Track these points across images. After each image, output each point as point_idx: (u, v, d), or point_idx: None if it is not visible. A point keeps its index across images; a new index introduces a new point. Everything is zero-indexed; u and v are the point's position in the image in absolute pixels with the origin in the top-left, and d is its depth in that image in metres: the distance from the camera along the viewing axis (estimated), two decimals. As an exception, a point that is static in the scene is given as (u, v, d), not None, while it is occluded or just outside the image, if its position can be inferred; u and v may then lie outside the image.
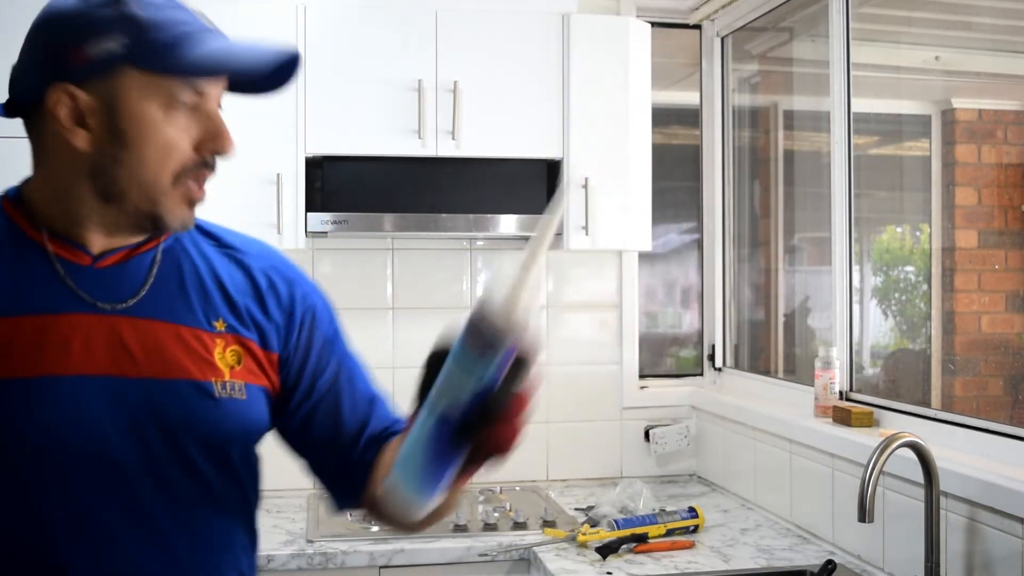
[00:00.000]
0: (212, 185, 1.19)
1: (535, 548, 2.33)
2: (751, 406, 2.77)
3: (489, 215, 2.68)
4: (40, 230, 1.14)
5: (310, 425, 1.33)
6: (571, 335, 3.11)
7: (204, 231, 1.27)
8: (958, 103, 2.89)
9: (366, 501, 1.29)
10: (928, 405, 2.46)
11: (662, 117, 3.21)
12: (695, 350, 3.32)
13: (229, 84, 1.18)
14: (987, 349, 2.79)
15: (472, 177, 2.70)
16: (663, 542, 2.33)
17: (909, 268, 3.02)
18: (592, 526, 2.40)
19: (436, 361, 1.08)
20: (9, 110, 1.14)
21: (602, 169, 2.71)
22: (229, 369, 1.18)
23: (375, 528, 2.47)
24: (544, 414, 3.07)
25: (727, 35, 3.19)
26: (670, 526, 2.39)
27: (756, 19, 3.00)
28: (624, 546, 2.27)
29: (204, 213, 1.24)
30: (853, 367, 2.52)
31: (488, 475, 1.07)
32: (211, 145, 1.14)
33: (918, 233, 3.02)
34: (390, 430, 1.30)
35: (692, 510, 2.46)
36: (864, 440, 2.15)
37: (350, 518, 2.46)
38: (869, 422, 2.30)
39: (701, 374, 3.26)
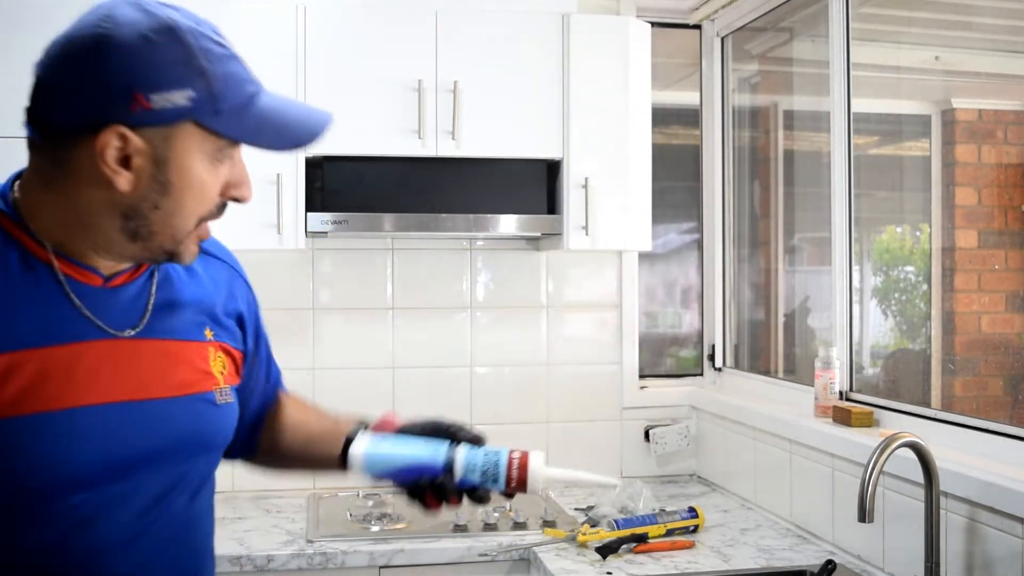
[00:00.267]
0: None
1: (535, 548, 2.33)
2: (751, 406, 2.77)
3: (489, 215, 2.68)
4: (45, 247, 1.12)
5: (244, 401, 1.40)
6: (571, 335, 3.11)
7: None
8: (958, 103, 2.88)
9: (260, 450, 1.48)
10: (928, 405, 2.45)
11: (662, 117, 3.21)
12: (695, 350, 3.32)
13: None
14: (987, 349, 2.79)
15: (472, 177, 2.70)
16: (663, 542, 2.33)
17: (909, 268, 3.02)
18: (592, 526, 2.40)
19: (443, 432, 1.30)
20: (33, 125, 1.10)
21: (602, 169, 2.71)
22: (221, 376, 1.27)
23: (375, 528, 2.47)
24: (544, 414, 3.07)
25: (727, 35, 3.19)
26: (670, 526, 2.39)
27: (756, 19, 3.00)
28: (624, 546, 2.27)
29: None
30: (853, 367, 2.52)
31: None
32: (234, 192, 1.16)
33: (918, 233, 3.02)
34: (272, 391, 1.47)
35: (692, 510, 2.46)
36: (864, 440, 2.15)
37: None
38: (869, 422, 2.30)
39: (701, 374, 3.26)
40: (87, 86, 1.05)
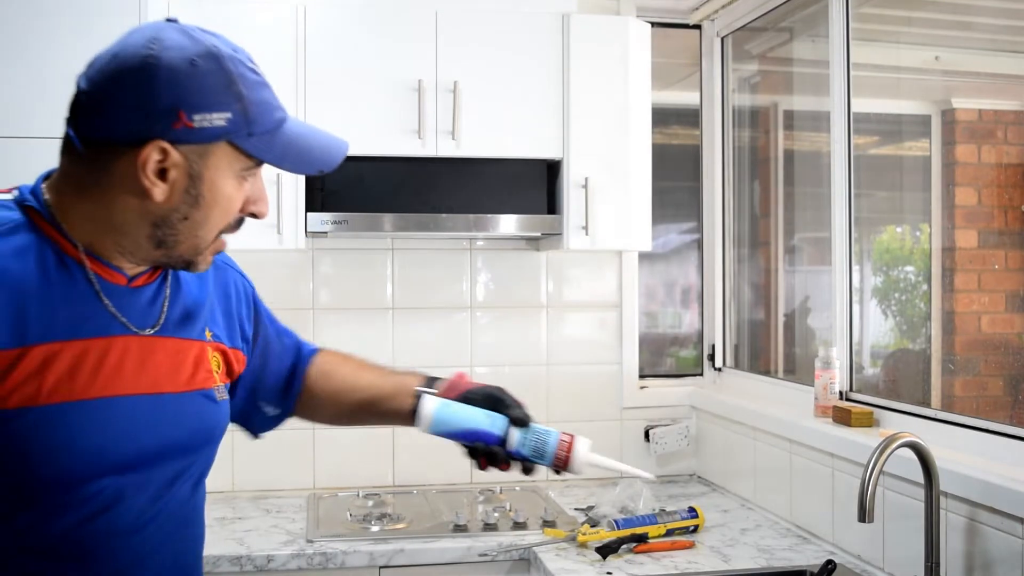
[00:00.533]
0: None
1: (535, 548, 2.33)
2: (751, 406, 2.77)
3: (489, 215, 2.68)
4: (77, 247, 1.20)
5: (263, 379, 1.53)
6: (571, 335, 3.11)
7: None
8: (958, 103, 2.88)
9: (300, 408, 1.59)
10: (928, 405, 2.45)
11: (662, 117, 3.21)
12: (695, 350, 3.32)
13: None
14: (987, 349, 2.79)
15: (472, 177, 2.70)
16: (663, 542, 2.33)
17: (909, 268, 3.02)
18: (592, 526, 2.40)
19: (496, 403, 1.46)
20: (77, 135, 1.17)
21: (602, 169, 2.71)
22: (217, 375, 1.37)
23: (375, 528, 2.47)
24: (544, 414, 3.07)
25: (727, 35, 3.19)
26: (670, 526, 2.39)
27: (756, 19, 3.00)
28: (624, 546, 2.27)
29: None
30: (853, 367, 2.52)
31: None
32: (252, 208, 1.27)
33: (918, 233, 3.02)
34: (304, 350, 1.60)
35: (692, 510, 2.46)
36: (864, 440, 2.15)
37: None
38: (869, 422, 2.30)
39: (701, 374, 3.26)
40: (136, 103, 1.13)
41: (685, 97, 3.34)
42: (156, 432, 1.25)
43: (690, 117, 3.31)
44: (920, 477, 1.87)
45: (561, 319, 3.11)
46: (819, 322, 2.88)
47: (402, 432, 3.00)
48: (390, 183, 2.67)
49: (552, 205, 2.76)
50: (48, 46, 2.33)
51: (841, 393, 2.46)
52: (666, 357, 3.36)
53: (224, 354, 1.40)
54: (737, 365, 3.20)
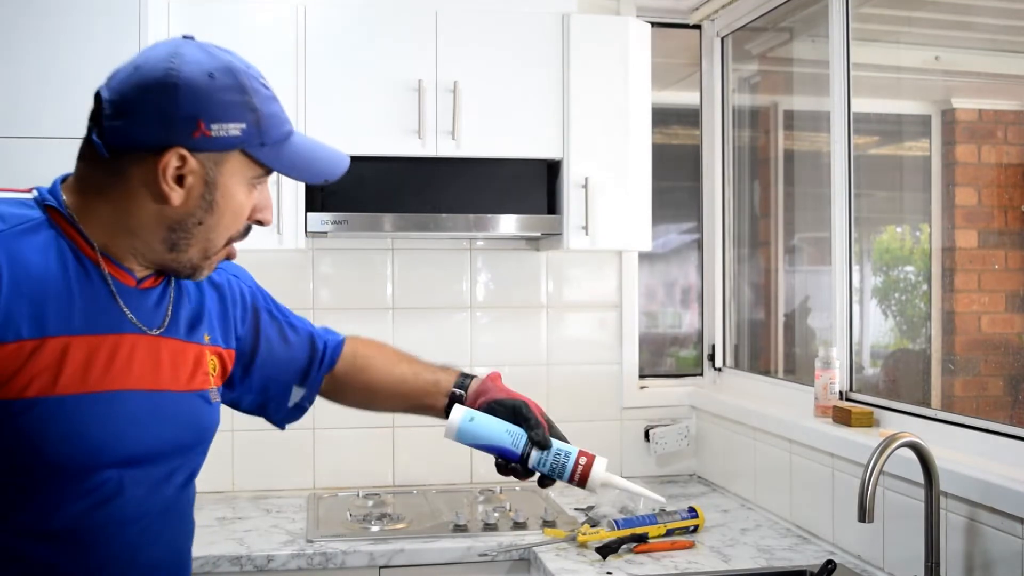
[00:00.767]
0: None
1: (535, 548, 2.33)
2: (751, 406, 2.77)
3: (489, 215, 2.68)
4: (95, 250, 1.27)
5: (273, 367, 1.59)
6: (571, 335, 3.11)
7: None
8: (958, 103, 2.88)
9: (333, 395, 1.70)
10: (928, 405, 2.45)
11: (662, 117, 3.21)
12: (695, 350, 3.32)
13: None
14: (987, 349, 2.79)
15: (472, 177, 2.70)
16: (663, 542, 2.33)
17: (909, 268, 3.02)
18: (592, 526, 2.40)
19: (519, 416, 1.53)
20: (101, 141, 1.24)
21: (602, 169, 2.71)
22: (211, 377, 1.43)
23: (375, 528, 2.47)
24: (544, 414, 3.07)
25: (727, 35, 3.19)
26: (670, 526, 2.39)
27: (756, 19, 3.00)
28: (624, 546, 2.27)
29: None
30: (853, 367, 2.52)
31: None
32: (259, 215, 1.34)
33: (918, 233, 3.02)
34: (328, 342, 1.66)
35: (692, 510, 2.46)
36: (864, 440, 2.15)
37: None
38: (869, 422, 2.30)
39: (701, 374, 3.26)
40: (158, 113, 1.21)
41: (685, 97, 3.34)
42: (157, 428, 1.31)
43: (690, 117, 3.31)
44: (920, 477, 1.87)
45: (561, 319, 3.11)
46: (819, 322, 2.88)
47: (402, 432, 3.00)
48: (390, 183, 2.67)
49: (552, 205, 2.76)
50: (49, 46, 2.33)
51: (841, 393, 2.46)
52: (666, 357, 3.36)
53: (220, 356, 1.46)
54: (737, 365, 3.20)
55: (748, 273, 3.24)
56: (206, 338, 1.42)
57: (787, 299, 3.12)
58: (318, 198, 2.62)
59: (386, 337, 2.97)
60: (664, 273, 3.39)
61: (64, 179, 1.31)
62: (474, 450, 1.51)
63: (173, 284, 1.38)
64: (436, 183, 2.68)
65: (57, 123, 2.20)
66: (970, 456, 1.94)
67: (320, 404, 2.65)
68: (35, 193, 1.29)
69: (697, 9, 3.13)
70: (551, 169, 2.76)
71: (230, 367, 1.51)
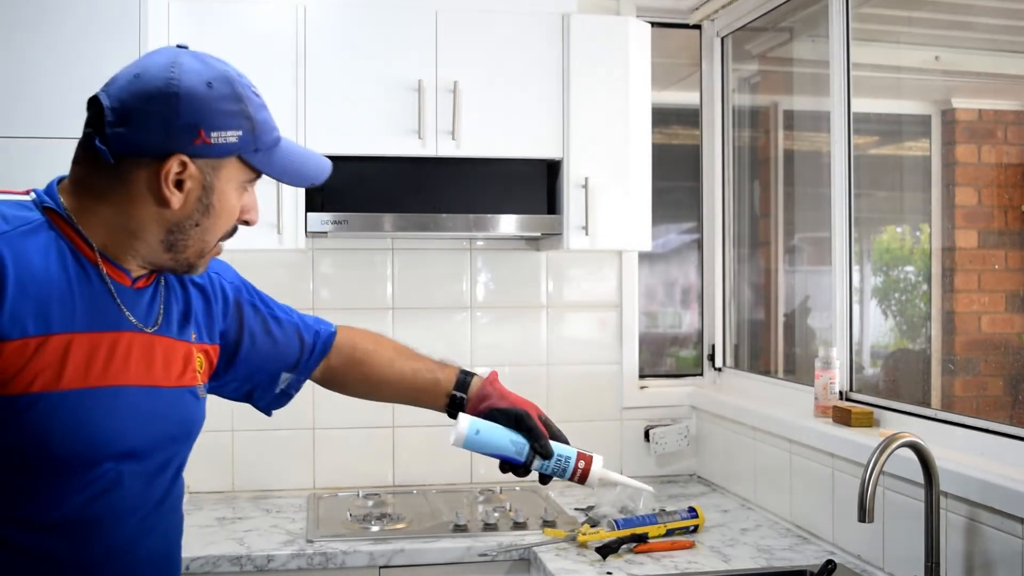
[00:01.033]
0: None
1: (535, 548, 2.33)
2: (751, 406, 2.77)
3: (489, 215, 2.68)
4: (94, 250, 1.31)
5: (256, 360, 1.63)
6: (571, 335, 3.11)
7: None
8: (958, 103, 2.88)
9: (331, 384, 1.75)
10: (928, 405, 2.45)
11: (662, 117, 3.21)
12: (695, 350, 3.32)
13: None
14: (987, 349, 2.79)
15: (472, 177, 2.70)
16: (663, 542, 2.33)
17: (909, 268, 3.02)
18: (592, 526, 2.40)
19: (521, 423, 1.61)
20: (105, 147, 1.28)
21: (602, 169, 2.71)
22: (199, 374, 1.48)
23: (375, 528, 2.47)
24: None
25: (727, 35, 3.19)
26: (670, 526, 2.39)
27: (756, 19, 3.00)
28: (624, 546, 2.27)
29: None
30: (853, 367, 2.52)
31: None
32: (246, 216, 1.40)
33: (918, 233, 3.02)
34: (319, 332, 1.72)
35: (692, 510, 2.46)
36: (864, 440, 2.15)
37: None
38: (869, 422, 2.30)
39: (701, 374, 3.26)
40: (162, 121, 1.26)
41: (685, 97, 3.34)
42: (152, 422, 1.37)
43: (690, 117, 3.31)
44: (920, 477, 1.87)
45: (561, 319, 3.11)
46: (819, 322, 2.88)
47: (402, 432, 3.00)
48: (390, 183, 2.67)
49: (552, 205, 2.76)
50: (48, 47, 2.33)
51: (841, 393, 2.46)
52: (666, 357, 3.36)
53: (206, 353, 1.52)
54: (737, 365, 3.20)
55: (748, 273, 3.24)
56: (193, 336, 1.47)
57: (787, 299, 3.12)
58: (318, 198, 2.62)
59: (386, 337, 2.99)
60: (664, 273, 3.39)
61: (60, 181, 1.35)
62: (474, 451, 1.57)
63: (163, 284, 1.43)
64: (436, 183, 2.68)
65: (57, 123, 2.20)
66: (970, 456, 1.94)
67: (320, 404, 2.65)
68: (32, 195, 1.33)
69: (697, 9, 3.13)
70: (551, 169, 2.76)
71: (215, 362, 1.56)
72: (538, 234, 2.79)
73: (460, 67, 2.65)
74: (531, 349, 3.08)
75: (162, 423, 1.39)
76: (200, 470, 2.89)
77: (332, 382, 1.76)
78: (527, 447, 1.57)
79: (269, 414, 1.73)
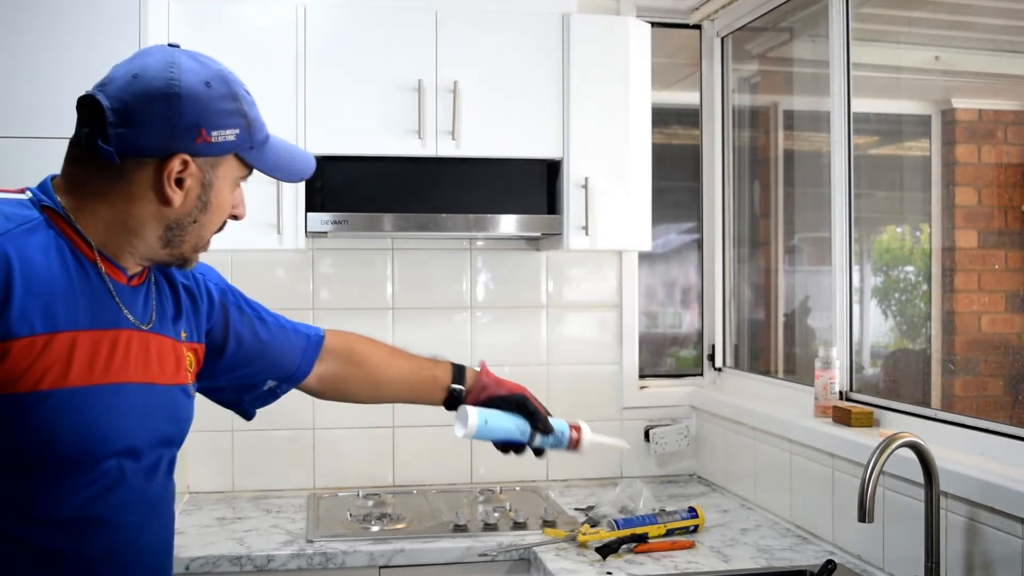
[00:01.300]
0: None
1: (535, 548, 2.33)
2: (751, 406, 2.77)
3: (489, 215, 2.68)
4: (92, 249, 1.33)
5: (244, 364, 1.65)
6: (571, 335, 3.11)
7: None
8: (958, 103, 2.88)
9: (309, 388, 1.76)
10: (928, 405, 2.45)
11: (662, 117, 3.21)
12: (695, 350, 3.32)
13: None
14: (987, 349, 2.79)
15: (472, 177, 2.70)
16: (663, 542, 2.33)
17: (909, 268, 3.02)
18: (592, 526, 2.40)
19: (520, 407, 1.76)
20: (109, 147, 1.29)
21: (602, 169, 2.71)
22: (189, 372, 1.50)
23: (375, 528, 2.47)
24: (544, 414, 3.07)
25: (727, 35, 3.19)
26: (670, 526, 2.39)
27: (756, 19, 3.00)
28: (624, 546, 2.27)
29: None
30: (853, 367, 2.52)
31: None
32: (235, 211, 1.43)
33: (918, 233, 3.02)
34: (309, 336, 1.75)
35: (692, 510, 2.46)
36: (864, 440, 2.15)
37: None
38: (869, 422, 2.30)
39: (701, 374, 3.26)
40: (165, 121, 1.28)
41: (685, 97, 3.34)
42: (150, 419, 1.39)
43: (690, 117, 3.31)
44: (920, 477, 1.87)
45: (561, 319, 3.11)
46: (819, 322, 2.88)
47: (402, 432, 3.00)
48: (390, 183, 2.67)
49: (552, 205, 2.76)
50: (48, 46, 2.33)
51: (841, 393, 2.46)
52: (666, 357, 3.36)
53: (195, 352, 1.54)
54: (737, 365, 3.20)
55: (748, 273, 3.24)
56: (183, 335, 1.49)
57: (787, 299, 3.12)
58: (318, 198, 2.62)
59: (386, 337, 2.99)
60: (664, 273, 3.39)
61: (52, 179, 1.36)
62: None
63: (153, 282, 1.45)
64: (436, 183, 2.68)
65: (56, 123, 2.19)
66: (970, 456, 1.94)
67: (320, 404, 2.64)
68: (29, 194, 1.33)
69: (697, 9, 3.13)
70: (551, 169, 2.76)
71: (203, 361, 1.58)
72: (538, 234, 2.79)
73: (460, 67, 2.65)
74: (531, 349, 3.08)
75: (158, 420, 1.41)
76: (200, 470, 2.89)
77: (336, 386, 1.78)
78: (529, 428, 1.71)
79: (250, 417, 1.74)
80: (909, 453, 1.84)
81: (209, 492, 2.89)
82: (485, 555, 2.35)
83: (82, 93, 1.36)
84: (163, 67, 1.30)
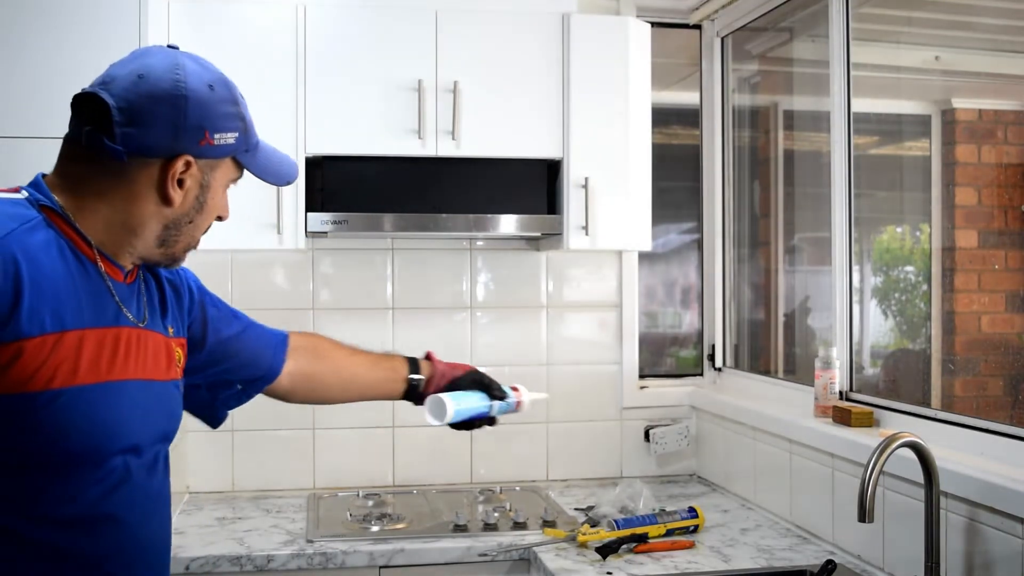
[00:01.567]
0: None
1: (535, 548, 2.33)
2: (751, 406, 2.77)
3: (489, 215, 2.68)
4: (91, 247, 1.33)
5: (221, 360, 1.66)
6: (571, 335, 3.11)
7: None
8: (958, 103, 2.88)
9: (280, 388, 1.77)
10: (928, 405, 2.45)
11: (662, 117, 3.21)
12: (695, 350, 3.32)
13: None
14: (987, 349, 2.79)
15: (472, 177, 2.70)
16: (663, 542, 2.33)
17: (909, 268, 3.02)
18: (592, 526, 2.40)
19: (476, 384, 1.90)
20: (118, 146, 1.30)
21: (602, 169, 2.71)
22: (179, 367, 1.52)
23: (375, 528, 2.47)
24: (544, 414, 3.07)
25: (727, 35, 3.19)
26: (670, 526, 2.39)
27: (756, 19, 3.00)
28: (624, 546, 2.27)
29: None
30: (853, 367, 2.52)
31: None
32: (220, 212, 1.46)
33: (918, 233, 3.02)
34: (276, 335, 1.77)
35: (692, 510, 2.46)
36: (864, 440, 2.15)
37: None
38: (869, 422, 2.30)
39: (701, 374, 3.26)
40: (172, 122, 1.31)
41: (685, 97, 3.34)
42: (151, 414, 1.41)
43: (690, 117, 3.31)
44: (920, 477, 1.87)
45: (561, 319, 3.11)
46: (819, 322, 2.88)
47: (402, 432, 3.00)
48: (390, 183, 2.67)
49: (552, 205, 2.76)
50: (48, 46, 2.33)
51: (841, 393, 2.46)
52: (666, 357, 3.36)
53: (182, 347, 1.55)
54: (737, 365, 3.20)
55: (748, 273, 3.24)
56: (171, 331, 1.51)
57: (787, 299, 3.12)
58: (318, 198, 2.62)
59: (386, 337, 3.00)
60: (664, 273, 3.39)
61: (44, 177, 1.36)
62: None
63: (142, 279, 1.47)
64: (436, 183, 2.68)
65: (56, 123, 2.19)
66: (970, 456, 1.94)
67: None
68: (25, 193, 1.34)
69: (697, 9, 3.13)
70: (551, 169, 2.76)
71: (186, 356, 1.60)
72: (538, 234, 2.79)
73: (460, 67, 2.65)
74: (531, 349, 3.08)
75: (157, 416, 1.43)
76: (200, 470, 2.89)
77: (306, 384, 1.80)
78: (487, 398, 1.85)
79: (218, 423, 1.74)
80: (909, 453, 1.84)
81: (209, 492, 2.89)
82: (485, 555, 2.35)
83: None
84: (169, 68, 1.32)
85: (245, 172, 1.46)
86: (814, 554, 2.27)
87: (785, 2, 2.82)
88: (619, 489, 2.63)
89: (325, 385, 1.84)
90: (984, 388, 2.73)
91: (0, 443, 1.24)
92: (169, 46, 1.39)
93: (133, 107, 1.29)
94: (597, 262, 3.13)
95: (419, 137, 2.63)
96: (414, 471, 3.00)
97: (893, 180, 3.07)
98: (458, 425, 1.84)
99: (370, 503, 2.76)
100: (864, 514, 1.75)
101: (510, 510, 2.63)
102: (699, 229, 3.29)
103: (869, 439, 2.12)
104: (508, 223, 2.69)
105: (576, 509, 2.69)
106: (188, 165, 1.34)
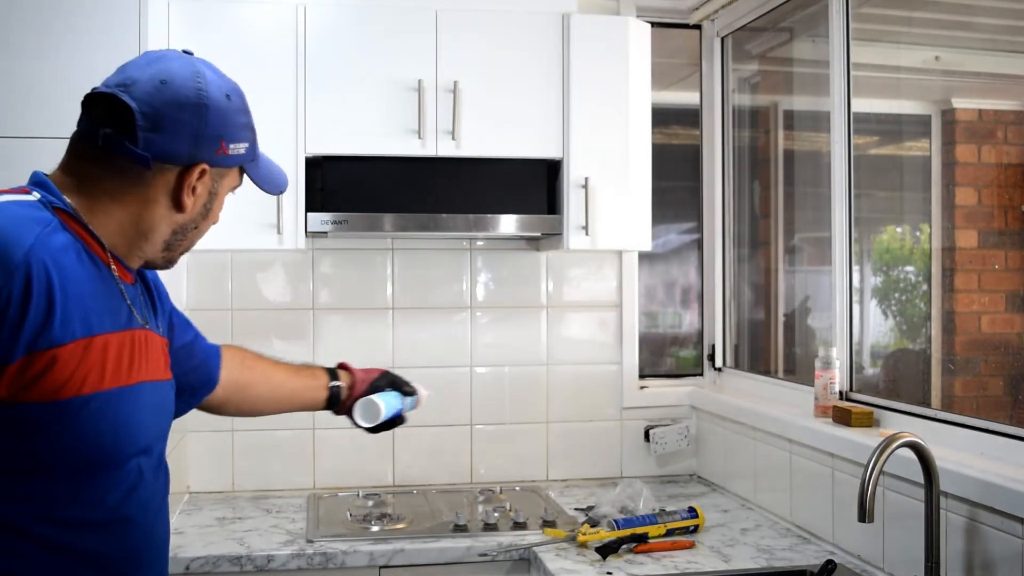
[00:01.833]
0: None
1: (535, 548, 2.33)
2: (751, 406, 2.77)
3: (489, 215, 2.68)
4: (105, 250, 1.34)
5: (174, 365, 1.62)
6: (571, 335, 3.11)
7: None
8: (958, 103, 2.88)
9: (215, 399, 1.77)
10: (928, 405, 2.45)
11: (662, 117, 3.21)
12: (695, 350, 3.32)
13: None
14: (987, 349, 2.79)
15: (472, 177, 2.70)
16: (663, 542, 2.33)
17: (909, 268, 3.02)
18: (592, 526, 2.40)
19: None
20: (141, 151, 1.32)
21: (602, 169, 2.71)
22: (168, 367, 1.53)
23: (375, 528, 2.47)
24: (544, 414, 3.07)
25: (727, 35, 3.19)
26: (670, 526, 2.39)
27: (756, 19, 3.00)
28: (624, 546, 2.27)
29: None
30: (853, 367, 2.52)
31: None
32: (216, 219, 1.48)
33: (918, 233, 3.02)
34: (209, 343, 1.77)
35: (692, 510, 2.46)
36: (864, 440, 2.15)
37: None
38: (869, 422, 2.30)
39: (701, 374, 3.26)
40: (195, 130, 1.33)
41: (685, 97, 3.34)
42: (158, 415, 1.43)
43: (690, 117, 3.31)
44: (920, 477, 1.87)
45: (561, 319, 3.11)
46: (819, 322, 2.88)
47: (402, 432, 2.99)
48: (390, 183, 2.67)
49: (552, 205, 2.76)
50: (48, 46, 2.33)
51: (841, 393, 2.46)
52: (666, 357, 3.36)
53: (165, 347, 1.54)
54: (737, 365, 3.20)
55: (748, 273, 3.24)
56: (160, 330, 1.52)
57: (787, 299, 3.12)
58: (318, 198, 2.62)
59: (386, 337, 3.00)
60: (664, 273, 3.39)
61: (47, 177, 1.35)
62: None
63: (139, 281, 1.48)
64: (436, 183, 2.68)
65: (55, 123, 2.19)
66: (970, 456, 1.94)
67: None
68: (37, 195, 1.32)
69: (697, 9, 3.13)
70: (551, 169, 2.76)
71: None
72: (538, 234, 2.79)
73: (460, 67, 2.65)
74: (531, 349, 3.08)
75: (163, 416, 1.46)
76: (200, 470, 2.89)
77: (239, 393, 1.81)
78: (403, 397, 1.95)
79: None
80: (909, 453, 1.84)
81: (209, 492, 2.89)
82: (485, 555, 2.35)
83: (80, 93, 1.35)
84: (191, 76, 1.33)
85: (251, 181, 1.49)
86: (814, 554, 2.27)
87: (785, 2, 2.82)
88: (619, 489, 2.63)
89: (256, 394, 1.85)
90: (984, 388, 2.73)
91: (26, 448, 1.24)
92: (185, 52, 1.41)
93: (158, 113, 1.30)
94: (597, 262, 3.13)
95: (419, 137, 2.63)
96: (414, 471, 3.00)
97: (893, 180, 3.07)
98: (377, 427, 1.90)
99: (370, 503, 2.76)
100: (864, 514, 1.75)
101: (510, 510, 2.63)
102: (699, 229, 3.29)
103: (869, 439, 2.12)
104: (508, 223, 2.69)
105: (576, 509, 2.69)
106: (203, 173, 1.36)
